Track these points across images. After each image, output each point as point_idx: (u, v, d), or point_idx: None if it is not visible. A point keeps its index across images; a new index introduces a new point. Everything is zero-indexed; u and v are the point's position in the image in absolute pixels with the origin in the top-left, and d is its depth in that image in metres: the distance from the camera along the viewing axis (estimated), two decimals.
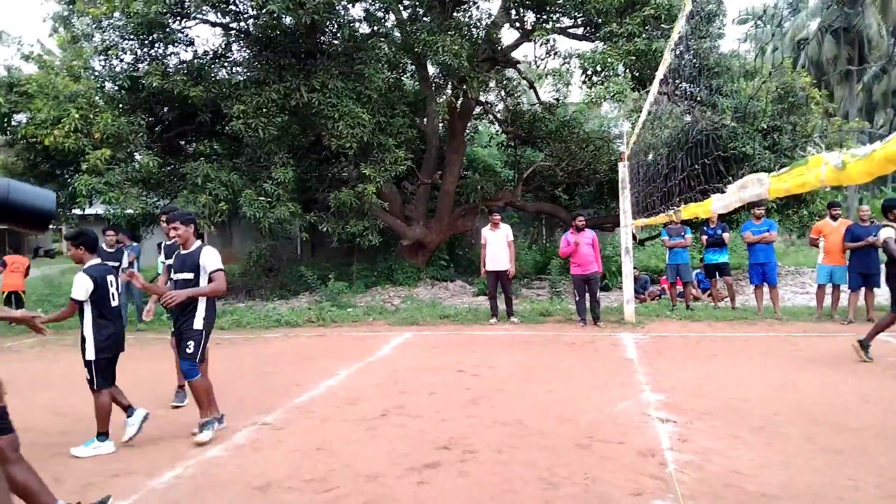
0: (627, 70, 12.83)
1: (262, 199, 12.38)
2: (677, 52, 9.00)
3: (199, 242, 5.35)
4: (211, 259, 5.18)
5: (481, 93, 15.52)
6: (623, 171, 10.61)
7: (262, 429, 5.46)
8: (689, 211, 5.48)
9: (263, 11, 11.34)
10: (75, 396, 6.51)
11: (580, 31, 15.10)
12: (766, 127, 13.44)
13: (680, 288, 11.75)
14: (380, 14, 14.32)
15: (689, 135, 10.31)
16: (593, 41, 14.22)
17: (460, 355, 8.33)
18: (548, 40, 14.57)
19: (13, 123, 14.09)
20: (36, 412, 6.18)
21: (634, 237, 11.48)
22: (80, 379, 5.88)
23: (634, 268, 14.09)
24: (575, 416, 5.48)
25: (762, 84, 13.52)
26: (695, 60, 12.30)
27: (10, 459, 3.42)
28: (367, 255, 16.29)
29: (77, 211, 14.89)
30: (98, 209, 15.21)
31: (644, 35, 12.24)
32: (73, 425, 5.73)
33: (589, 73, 13.22)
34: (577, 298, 10.41)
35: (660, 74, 8.91)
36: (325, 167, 15.01)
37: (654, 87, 9.23)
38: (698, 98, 12.94)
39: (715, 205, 4.12)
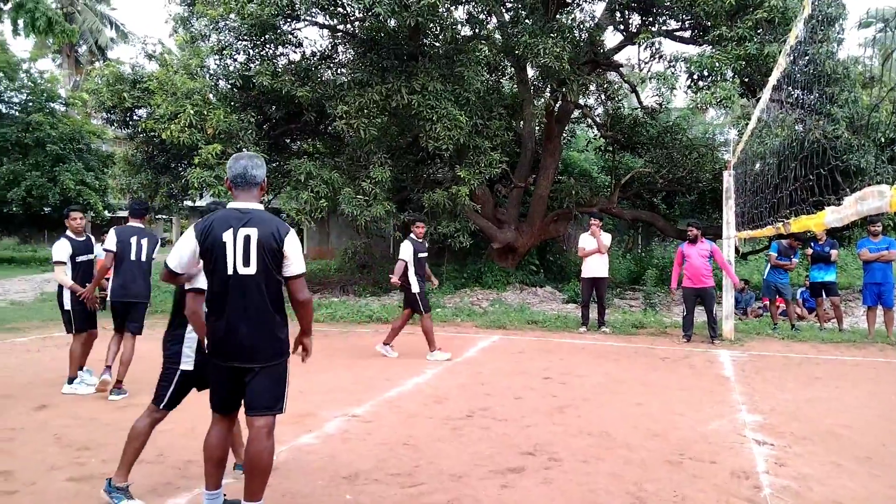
0: (736, 75, 12.33)
1: (360, 197, 12.71)
2: (792, 58, 8.57)
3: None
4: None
5: (581, 96, 15.33)
6: (728, 180, 10.20)
7: (352, 420, 5.61)
8: (800, 224, 5.22)
9: (370, 14, 11.63)
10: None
11: (687, 34, 14.64)
12: (884, 140, 12.59)
13: (782, 306, 11.19)
14: (482, 16, 14.39)
15: (802, 144, 9.81)
16: (701, 45, 13.76)
17: (547, 362, 8.25)
18: (653, 43, 14.23)
19: (135, 118, 15.10)
20: (142, 391, 6.57)
21: (737, 250, 11.00)
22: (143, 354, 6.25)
23: (744, 280, 13.57)
24: (665, 431, 5.33)
25: (887, 93, 12.67)
26: (810, 67, 11.68)
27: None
28: (458, 256, 16.41)
29: (188, 202, 15.78)
30: (207, 201, 16.06)
31: (756, 39, 11.73)
32: (182, 406, 6.07)
33: (695, 77, 12.81)
34: (685, 313, 10.01)
35: (772, 80, 8.53)
36: (420, 168, 15.24)
37: (766, 94, 8.84)
38: (812, 107, 12.28)
39: (829, 217, 3.89)
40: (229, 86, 14.67)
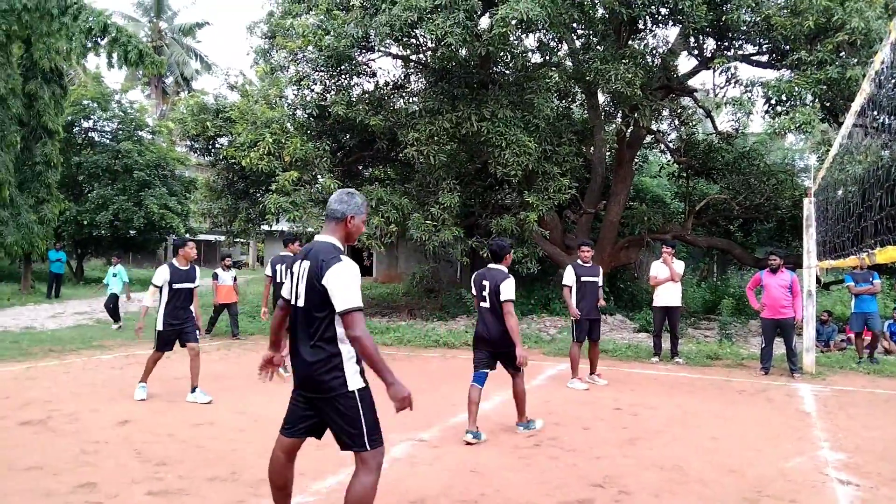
0: (816, 99, 11.93)
1: (429, 222, 12.86)
2: (878, 82, 8.24)
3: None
4: None
5: (653, 121, 15.12)
6: (809, 207, 9.83)
7: (419, 445, 5.63)
8: (887, 255, 4.99)
9: (442, 44, 11.86)
10: (255, 396, 7.10)
11: (765, 58, 14.28)
12: None
13: (867, 339, 10.63)
14: (552, 44, 14.44)
15: (888, 172, 9.37)
16: (779, 69, 13.39)
17: (617, 392, 8.08)
18: (728, 68, 13.94)
19: (217, 145, 15.79)
20: (217, 410, 6.80)
21: (818, 280, 10.56)
22: (260, 382, 6.43)
23: (827, 312, 12.99)
24: (741, 467, 5.13)
25: None
26: None
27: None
28: (525, 282, 16.32)
29: (265, 227, 16.31)
30: (283, 226, 16.55)
31: (837, 62, 11.34)
32: (250, 424, 6.25)
33: (773, 102, 12.46)
34: (764, 345, 9.63)
35: (856, 105, 8.21)
36: (488, 194, 15.31)
37: (850, 119, 8.51)
38: None
39: None
40: (306, 115, 15.17)
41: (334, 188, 13.21)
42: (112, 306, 13.71)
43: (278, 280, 8.73)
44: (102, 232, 23.61)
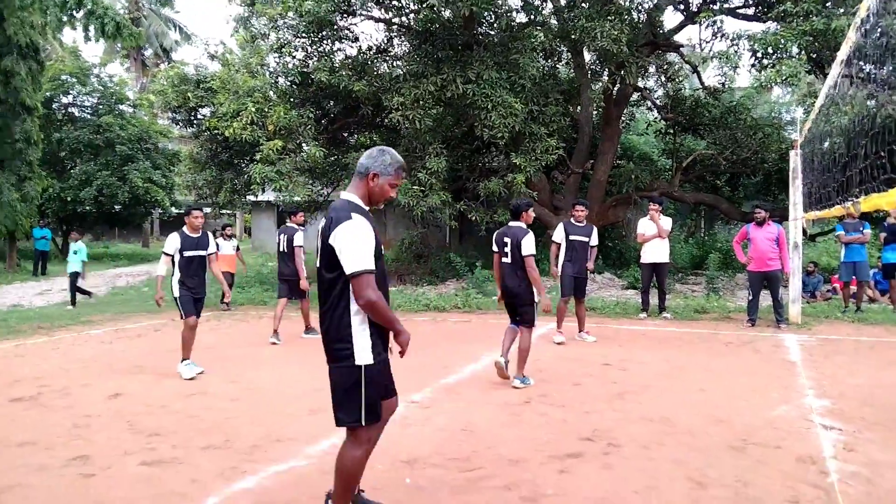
0: (802, 51, 11.85)
1: (416, 187, 12.79)
2: (863, 31, 8.18)
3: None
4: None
5: (640, 78, 15.00)
6: (795, 160, 9.84)
7: (411, 406, 5.68)
8: (871, 202, 5.02)
9: (424, 5, 11.66)
10: (247, 365, 7.12)
11: (751, 10, 14.16)
12: None
13: (854, 288, 10.75)
14: (537, 2, 14.23)
15: (873, 121, 9.37)
16: (765, 21, 13.29)
17: (606, 349, 8.16)
18: (714, 22, 13.80)
19: (199, 117, 15.58)
20: (209, 380, 6.82)
21: (805, 232, 10.62)
22: (252, 352, 6.47)
23: (813, 263, 13.10)
24: (729, 417, 5.21)
25: None
26: (882, 40, 11.11)
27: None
28: None
29: (251, 198, 16.19)
30: (269, 196, 16.45)
31: (823, 13, 11.24)
32: (243, 392, 6.28)
33: (759, 55, 12.36)
34: (751, 297, 9.70)
35: (841, 55, 8.17)
36: (475, 157, 15.22)
37: (835, 69, 8.47)
38: (885, 82, 11.68)
39: None
40: (288, 83, 14.95)
41: (320, 156, 13.12)
42: (72, 284, 13.44)
43: (281, 250, 9.31)
44: (87, 208, 23.43)
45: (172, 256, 6.97)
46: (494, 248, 6.53)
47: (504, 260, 6.38)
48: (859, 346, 8.11)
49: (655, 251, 10.34)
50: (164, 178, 24.76)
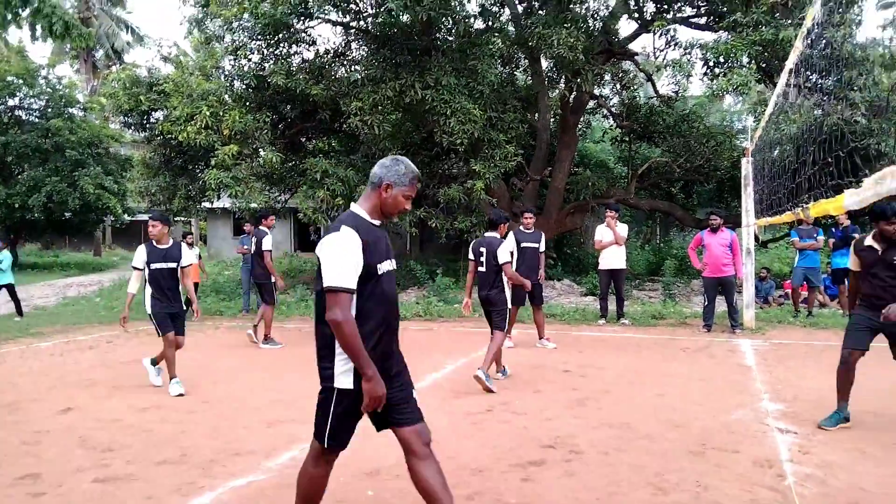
0: (752, 61, 12.19)
1: None
2: (809, 41, 8.44)
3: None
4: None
5: (596, 86, 15.23)
6: (746, 167, 10.09)
7: None
8: (819, 208, 5.13)
9: (382, 9, 11.64)
10: (202, 377, 6.95)
11: (703, 20, 14.51)
12: None
13: (804, 293, 11.05)
14: (495, 9, 14.33)
15: (820, 129, 9.67)
16: (716, 31, 13.62)
17: (566, 355, 8.22)
18: (668, 30, 14.11)
19: (152, 121, 15.24)
20: (163, 394, 6.64)
21: (757, 238, 10.89)
22: (207, 363, 6.33)
23: (765, 269, 13.43)
24: (687, 421, 5.29)
25: None
26: (827, 50, 11.50)
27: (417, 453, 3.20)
28: None
29: (206, 204, 15.88)
30: (225, 203, 16.15)
31: (772, 24, 11.58)
32: (199, 405, 6.13)
33: (711, 64, 12.69)
34: (706, 303, 9.90)
35: (789, 64, 8.40)
36: (435, 163, 15.23)
37: (783, 79, 8.71)
38: (830, 91, 12.10)
39: (848, 200, 3.82)
40: (244, 86, 14.75)
41: (277, 162, 12.96)
42: (12, 293, 12.62)
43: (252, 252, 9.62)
44: (36, 215, 22.66)
45: (143, 270, 6.58)
46: (471, 256, 6.90)
47: (480, 269, 6.76)
48: (811, 351, 8.34)
49: (613, 258, 10.47)
50: (116, 184, 24.09)
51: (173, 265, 6.59)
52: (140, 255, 6.60)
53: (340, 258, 2.80)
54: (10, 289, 12.54)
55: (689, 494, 3.85)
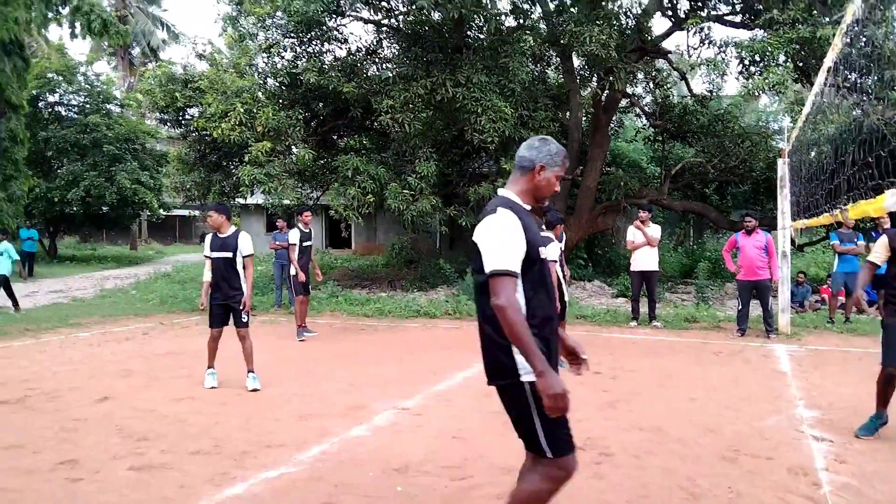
0: (789, 59, 11.95)
1: (406, 192, 12.76)
2: (848, 39, 8.26)
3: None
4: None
5: (628, 85, 15.07)
6: (782, 168, 9.91)
7: (402, 413, 5.66)
8: (859, 209, 5.04)
9: (414, 7, 11.66)
10: (236, 370, 7.04)
11: (738, 18, 14.27)
12: None
13: (842, 299, 10.83)
14: (526, 6, 14.26)
15: (860, 129, 9.46)
16: (752, 29, 13.39)
17: (597, 357, 8.15)
18: (702, 28, 13.90)
19: (187, 117, 15.48)
20: (197, 385, 6.75)
21: (793, 241, 10.69)
22: (241, 356, 6.43)
23: (801, 273, 13.19)
24: (720, 426, 5.22)
25: None
26: (867, 48, 11.23)
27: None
28: None
29: (240, 200, 16.08)
30: (258, 199, 16.33)
31: (809, 21, 11.35)
32: (233, 397, 6.23)
33: (747, 62, 12.46)
34: (740, 307, 9.72)
35: (827, 63, 8.23)
36: (466, 162, 15.22)
37: (821, 78, 8.54)
38: (870, 90, 11.82)
39: (889, 201, 3.74)
40: (277, 83, 14.88)
41: (309, 159, 13.06)
42: (6, 288, 12.26)
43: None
44: (74, 209, 23.18)
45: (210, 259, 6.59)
46: None
47: None
48: (848, 357, 8.17)
49: (645, 259, 10.36)
50: (152, 179, 24.53)
51: (229, 255, 6.52)
52: (206, 243, 6.68)
53: (503, 241, 2.57)
54: (5, 282, 12.23)
55: (722, 500, 3.80)
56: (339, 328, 10.78)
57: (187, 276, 18.33)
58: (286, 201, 13.60)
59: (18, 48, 18.63)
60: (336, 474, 4.23)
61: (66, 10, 16.46)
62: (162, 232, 41.55)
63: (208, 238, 6.67)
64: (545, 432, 2.60)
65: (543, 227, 8.71)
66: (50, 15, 16.78)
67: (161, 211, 26.56)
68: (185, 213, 35.94)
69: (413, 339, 9.72)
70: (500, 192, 2.80)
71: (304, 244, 9.78)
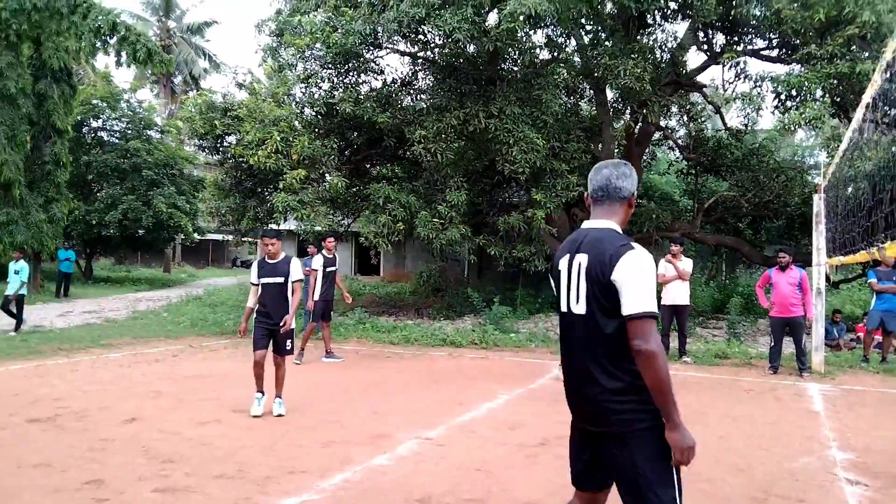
0: (826, 94, 11.83)
1: (436, 220, 12.82)
2: (888, 75, 8.16)
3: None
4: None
5: (662, 117, 15.04)
6: (818, 204, 9.75)
7: (425, 443, 5.62)
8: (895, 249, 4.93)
9: (450, 40, 11.83)
10: (269, 396, 7.08)
11: (774, 52, 14.21)
12: None
13: (878, 338, 10.54)
14: (560, 40, 14.38)
15: None
16: (789, 63, 13.31)
17: None
18: (738, 63, 13.85)
19: (225, 144, 15.83)
20: (223, 409, 6.81)
21: (828, 278, 10.47)
22: (267, 380, 6.44)
23: (837, 311, 12.90)
24: (750, 466, 5.09)
25: None
26: None
27: None
28: (533, 280, 16.27)
29: (273, 226, 16.32)
30: (291, 225, 16.55)
31: (847, 56, 11.24)
32: (257, 422, 6.25)
33: (783, 97, 12.36)
34: (773, 343, 9.53)
35: (866, 98, 8.14)
36: (496, 191, 15.26)
37: (859, 113, 8.44)
38: None
39: None
40: (314, 113, 15.15)
41: (342, 187, 13.22)
42: (16, 307, 12.22)
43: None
44: (111, 231, 23.71)
45: (257, 285, 6.58)
46: None
47: None
48: (884, 399, 7.93)
49: (676, 293, 10.23)
50: (188, 203, 25.05)
51: (280, 280, 6.53)
52: (254, 269, 6.65)
53: (650, 281, 2.43)
54: (20, 299, 12.22)
55: None
56: (365, 354, 10.80)
57: (218, 299, 18.57)
58: (318, 228, 13.76)
59: (67, 75, 19.36)
60: (358, 503, 4.21)
61: (113, 40, 17.07)
62: (195, 255, 42.30)
63: (255, 265, 6.66)
64: (658, 483, 2.42)
65: None
66: (98, 44, 17.41)
67: (195, 235, 27.04)
68: (219, 237, 36.53)
69: (438, 367, 9.69)
70: (600, 224, 2.62)
71: (328, 270, 9.99)
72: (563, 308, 2.61)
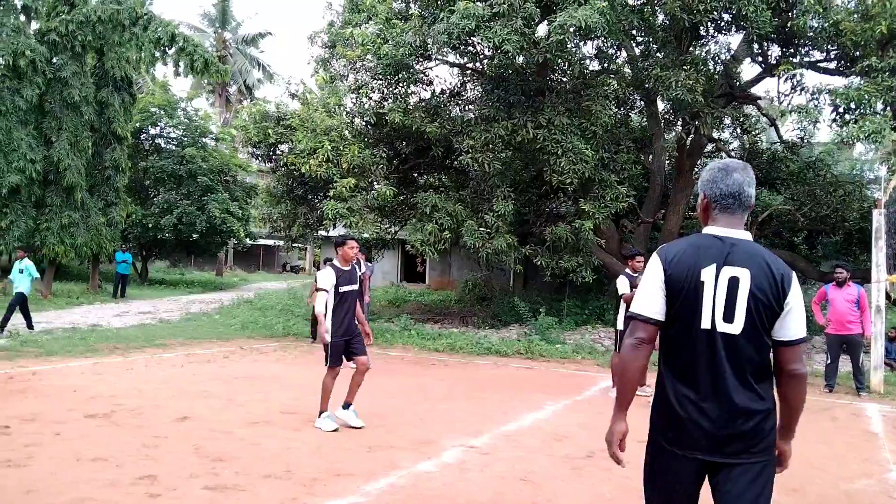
0: (887, 107, 11.47)
1: (483, 229, 12.84)
2: None
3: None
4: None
5: (715, 130, 14.78)
6: (878, 219, 9.44)
7: (470, 451, 5.63)
8: None
9: (499, 51, 11.88)
10: (309, 396, 7.20)
11: (832, 65, 13.84)
12: None
13: None
14: (611, 51, 14.29)
15: None
16: (847, 76, 12.95)
17: None
18: (794, 75, 13.54)
19: (277, 152, 16.18)
20: (272, 409, 6.93)
21: (888, 295, 10.12)
22: (317, 383, 6.53)
23: (894, 328, 12.44)
24: (803, 486, 4.95)
25: None
26: None
27: None
28: (579, 291, 16.12)
29: (322, 233, 16.60)
30: (340, 231, 16.76)
31: None
32: (304, 424, 6.35)
33: (841, 110, 12.02)
34: (829, 361, 9.28)
35: None
36: (543, 202, 15.21)
37: None
38: None
39: None
40: (364, 122, 15.38)
41: (390, 195, 13.36)
42: (22, 307, 11.92)
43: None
44: (166, 235, 24.42)
45: (329, 292, 6.13)
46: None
47: None
48: None
49: None
50: (240, 209, 25.65)
51: (356, 287, 6.39)
52: (328, 277, 6.13)
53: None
54: (22, 298, 11.94)
55: None
56: (410, 361, 10.86)
57: (268, 303, 18.93)
58: (365, 235, 13.93)
59: (127, 84, 20.09)
60: None
61: (172, 51, 17.70)
62: (247, 260, 43.24)
63: (331, 272, 6.17)
64: None
65: (634, 272, 8.46)
66: (158, 55, 18.08)
67: (247, 240, 27.63)
68: (270, 242, 37.19)
69: (483, 376, 9.68)
70: (742, 234, 2.42)
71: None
72: (705, 325, 2.33)
